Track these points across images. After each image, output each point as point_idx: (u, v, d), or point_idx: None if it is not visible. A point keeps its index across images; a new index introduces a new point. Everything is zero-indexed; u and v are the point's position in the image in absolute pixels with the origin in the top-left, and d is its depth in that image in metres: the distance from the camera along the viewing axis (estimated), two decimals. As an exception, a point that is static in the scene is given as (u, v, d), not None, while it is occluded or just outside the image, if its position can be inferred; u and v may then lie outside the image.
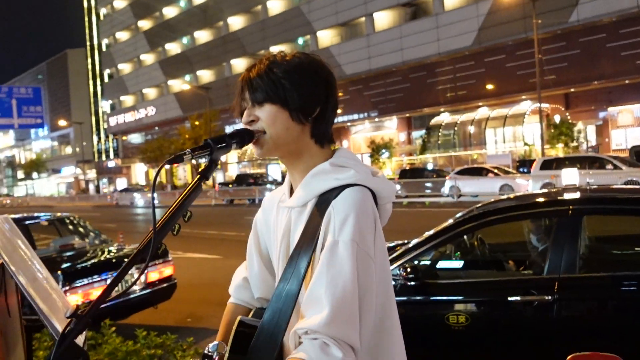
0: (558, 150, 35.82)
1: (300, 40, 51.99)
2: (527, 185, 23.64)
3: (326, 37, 51.27)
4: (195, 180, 1.28)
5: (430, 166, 39.14)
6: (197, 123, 52.32)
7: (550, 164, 22.29)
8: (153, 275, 6.92)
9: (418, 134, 47.42)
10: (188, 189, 1.27)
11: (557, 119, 37.33)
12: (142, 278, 6.48)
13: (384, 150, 46.08)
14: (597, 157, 22.90)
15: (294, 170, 1.47)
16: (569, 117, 37.54)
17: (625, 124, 37.32)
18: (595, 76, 35.54)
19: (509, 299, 3.95)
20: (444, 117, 45.16)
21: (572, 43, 36.17)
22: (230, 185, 41.54)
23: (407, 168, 38.94)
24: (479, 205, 4.72)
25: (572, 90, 37.73)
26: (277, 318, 1.29)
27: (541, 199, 4.50)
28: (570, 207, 4.01)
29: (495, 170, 26.98)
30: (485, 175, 26.34)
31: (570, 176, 5.92)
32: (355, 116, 49.55)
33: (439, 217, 18.77)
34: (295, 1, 53.30)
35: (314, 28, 51.12)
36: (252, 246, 1.63)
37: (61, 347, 1.03)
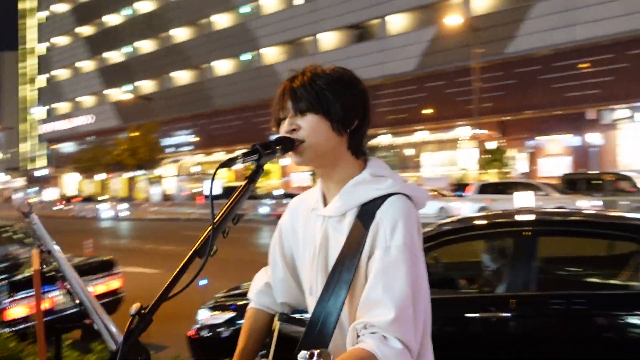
0: (491, 175, 37.09)
1: (246, 56, 51.92)
2: (462, 208, 24.35)
3: (272, 55, 51.44)
4: (244, 184, 1.30)
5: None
6: (136, 134, 51.17)
7: (486, 188, 23.07)
8: (100, 288, 6.71)
9: (358, 154, 48.11)
10: (238, 192, 1.29)
11: (490, 145, 38.67)
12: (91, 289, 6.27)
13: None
14: (530, 183, 23.82)
15: (329, 180, 1.50)
16: (504, 144, 38.96)
17: (554, 153, 39.09)
18: (528, 106, 37.14)
19: (466, 315, 4.07)
20: (384, 139, 45.99)
21: (509, 73, 37.72)
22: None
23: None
24: (437, 225, 4.85)
25: (507, 118, 39.22)
26: (323, 325, 1.32)
27: (499, 220, 4.67)
28: (527, 228, 4.18)
29: (435, 193, 27.64)
30: (424, 197, 26.97)
31: (523, 199, 6.16)
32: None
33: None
34: (242, 17, 53.30)
35: (259, 44, 51.21)
36: (276, 251, 1.65)
37: (126, 344, 1.02)
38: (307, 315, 1.54)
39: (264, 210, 31.49)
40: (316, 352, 1.16)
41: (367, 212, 1.39)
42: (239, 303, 4.72)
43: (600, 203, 20.55)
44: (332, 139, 1.44)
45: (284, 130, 1.45)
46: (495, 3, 39.42)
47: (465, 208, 23.54)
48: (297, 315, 1.63)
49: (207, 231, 1.21)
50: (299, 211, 1.61)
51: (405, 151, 44.00)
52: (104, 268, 6.85)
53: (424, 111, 41.49)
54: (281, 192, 37.27)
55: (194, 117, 56.78)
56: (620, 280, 4.38)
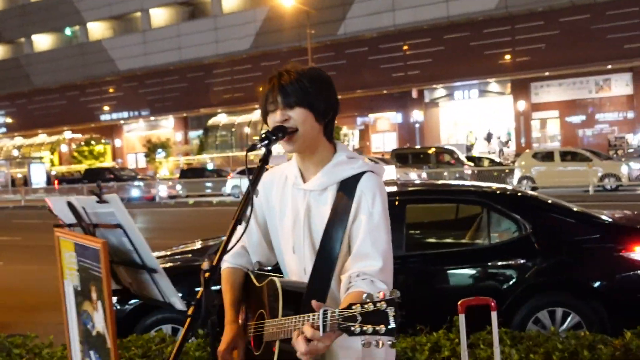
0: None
1: (68, 31, 48.42)
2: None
3: (98, 30, 48.56)
4: (259, 166, 1.58)
5: (210, 166, 39.46)
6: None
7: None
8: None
9: (195, 134, 47.42)
10: (256, 172, 1.57)
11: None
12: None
13: (160, 150, 45.29)
14: (368, 158, 25.42)
15: (308, 161, 1.82)
16: (335, 122, 40.82)
17: (383, 129, 41.87)
18: (359, 85, 39.22)
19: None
20: (221, 118, 45.83)
21: (340, 54, 39.44)
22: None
23: (186, 168, 38.77)
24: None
25: (339, 97, 40.87)
26: (324, 274, 1.65)
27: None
28: (397, 197, 4.77)
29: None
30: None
31: (388, 172, 6.80)
32: (130, 114, 47.82)
33: (229, 215, 19.10)
34: (62, -12, 49.54)
35: (84, 18, 48.03)
36: (250, 220, 1.91)
37: (206, 291, 1.27)
38: (284, 272, 1.87)
39: (135, 193, 29.73)
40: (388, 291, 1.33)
41: (347, 186, 1.74)
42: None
43: (425, 175, 22.64)
44: (315, 128, 1.77)
45: (276, 120, 1.73)
46: (326, -15, 40.86)
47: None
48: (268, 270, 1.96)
49: (246, 195, 1.50)
50: (273, 185, 1.90)
51: (245, 130, 44.24)
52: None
53: (260, 90, 41.92)
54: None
55: (10, 96, 51.97)
56: (468, 239, 5.18)
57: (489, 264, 4.65)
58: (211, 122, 45.48)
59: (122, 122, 49.01)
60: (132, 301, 4.72)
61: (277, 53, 41.25)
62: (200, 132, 46.15)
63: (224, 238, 1.78)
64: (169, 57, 44.26)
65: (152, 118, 47.89)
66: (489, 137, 39.27)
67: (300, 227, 1.79)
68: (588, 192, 18.17)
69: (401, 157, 25.64)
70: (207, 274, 1.38)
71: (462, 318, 2.56)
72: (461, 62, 35.78)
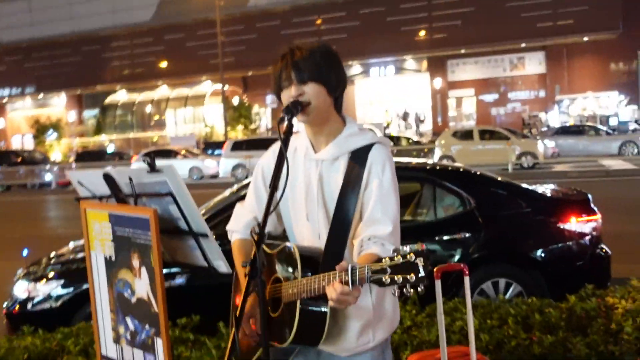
0: (238, 133, 38.67)
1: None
2: (218, 166, 25.25)
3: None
4: (285, 137, 1.78)
5: (110, 149, 38.30)
6: None
7: (240, 146, 24.19)
8: None
9: (91, 114, 45.83)
10: (280, 151, 1.78)
11: (235, 101, 40.15)
12: None
13: (51, 131, 43.35)
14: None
15: (319, 133, 2.02)
16: (246, 100, 40.70)
17: (297, 108, 42.21)
18: (271, 61, 38.85)
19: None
20: (121, 96, 44.51)
21: (251, 27, 39.28)
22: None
23: (81, 151, 37.41)
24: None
25: (250, 73, 40.94)
26: (340, 238, 1.87)
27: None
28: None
29: (183, 152, 28.01)
30: (175, 157, 27.15)
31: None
32: (13, 91, 45.46)
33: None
34: None
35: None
36: (261, 188, 2.12)
37: (259, 251, 1.48)
38: (293, 239, 2.09)
39: (48, 177, 27.91)
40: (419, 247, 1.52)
41: (359, 156, 1.96)
42: (72, 268, 4.84)
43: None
44: (327, 101, 1.96)
45: (291, 95, 1.92)
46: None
47: (222, 166, 24.47)
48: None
49: (276, 168, 1.70)
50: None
51: (147, 109, 43.20)
52: None
53: (165, 65, 41.11)
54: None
55: None
56: (410, 215, 5.55)
57: (436, 238, 5.03)
58: (109, 100, 44.06)
59: (4, 100, 46.48)
60: (68, 290, 4.75)
61: (182, 25, 40.56)
62: (96, 111, 44.62)
63: (264, 205, 1.96)
64: (59, 28, 42.33)
65: (40, 95, 45.71)
66: (405, 116, 40.51)
67: (314, 196, 2.01)
68: (507, 170, 19.32)
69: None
70: (256, 237, 1.58)
71: (438, 284, 2.85)
72: (377, 38, 36.66)
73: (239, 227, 2.14)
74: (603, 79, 36.47)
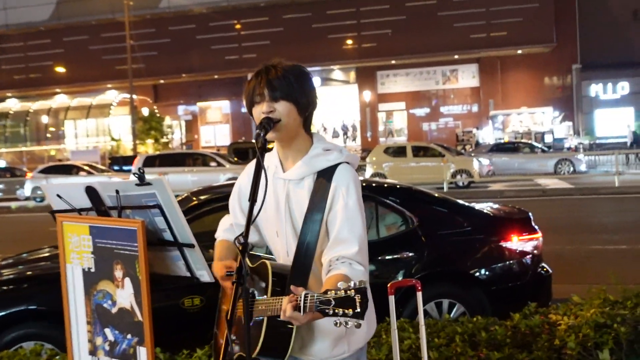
0: (148, 147, 38.22)
1: None
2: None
3: None
4: (260, 152, 2.04)
5: (1, 163, 37.00)
6: None
7: (153, 161, 24.03)
8: None
9: (-24, 124, 44.22)
10: (257, 163, 2.03)
11: (145, 112, 39.70)
12: None
13: None
14: (201, 153, 25.66)
15: (288, 150, 2.30)
16: (157, 111, 40.30)
17: (214, 121, 42.19)
18: (186, 68, 39.17)
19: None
20: (12, 104, 43.17)
21: (163, 31, 39.07)
22: None
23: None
24: (197, 192, 5.68)
25: (161, 81, 40.68)
26: (306, 258, 2.15)
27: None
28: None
29: (87, 168, 27.51)
30: (77, 174, 26.64)
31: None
32: None
33: (35, 223, 18.13)
34: None
35: None
36: (235, 206, 2.45)
37: (243, 260, 1.73)
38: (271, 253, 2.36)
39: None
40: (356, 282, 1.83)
41: (324, 177, 2.24)
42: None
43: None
44: (297, 120, 2.25)
45: (263, 111, 2.20)
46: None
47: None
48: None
49: (254, 182, 1.96)
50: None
51: (43, 119, 42.05)
52: None
53: (64, 71, 40.22)
54: None
55: None
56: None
57: (379, 258, 5.36)
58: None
59: None
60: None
61: (84, 26, 39.89)
62: (-17, 121, 43.05)
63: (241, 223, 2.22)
64: (-61, 26, 40.79)
65: None
66: (335, 134, 41.20)
67: (282, 214, 2.28)
68: (442, 189, 20.11)
69: (240, 153, 26.19)
70: (240, 246, 1.84)
71: (391, 299, 3.15)
72: (302, 45, 37.19)
73: (219, 232, 2.48)
74: (537, 93, 38.45)
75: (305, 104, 2.27)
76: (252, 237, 2.41)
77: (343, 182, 2.23)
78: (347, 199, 2.21)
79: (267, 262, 2.17)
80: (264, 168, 2.04)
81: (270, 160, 2.37)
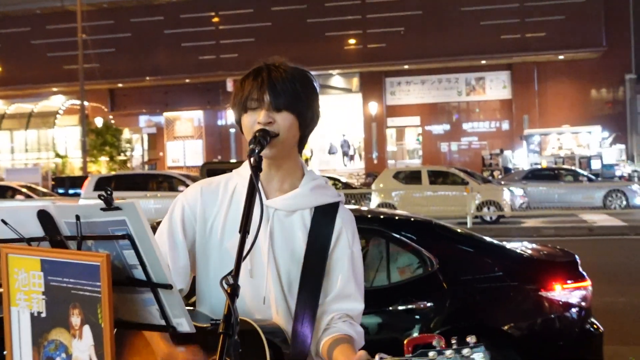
0: (101, 166, 38.20)
1: None
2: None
3: None
4: (255, 173, 2.03)
5: None
6: None
7: (108, 183, 23.99)
8: None
9: None
10: (251, 180, 2.02)
11: (99, 122, 39.63)
12: None
13: None
14: (167, 175, 25.66)
15: (277, 171, 2.25)
16: (113, 122, 40.25)
17: (184, 135, 42.15)
18: (150, 70, 39.17)
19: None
20: None
21: (123, 23, 39.21)
22: None
23: None
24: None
25: (120, 85, 40.75)
26: (309, 315, 2.15)
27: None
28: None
29: (24, 190, 27.47)
30: (13, 197, 26.59)
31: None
32: None
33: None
34: None
35: None
36: (178, 239, 2.27)
37: (232, 305, 1.78)
38: (209, 301, 2.32)
39: None
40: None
41: (325, 214, 2.24)
42: None
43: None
44: (296, 137, 2.23)
45: (258, 120, 2.17)
46: None
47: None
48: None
49: (246, 209, 1.95)
50: (219, 196, 2.28)
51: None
52: None
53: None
54: None
55: None
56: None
57: (389, 308, 5.35)
58: None
59: None
60: None
61: (24, 16, 40.06)
62: None
63: (180, 252, 2.19)
64: None
65: None
66: (331, 150, 41.18)
67: (262, 250, 2.23)
68: (465, 224, 20.03)
69: (215, 174, 26.19)
70: (229, 289, 1.82)
71: (408, 359, 3.18)
72: (295, 44, 37.16)
73: None
74: (582, 109, 38.43)
75: (309, 118, 2.25)
76: (182, 282, 2.27)
77: (349, 226, 2.28)
78: (353, 248, 2.27)
79: (254, 323, 2.12)
80: (260, 191, 2.01)
81: (241, 181, 2.28)
